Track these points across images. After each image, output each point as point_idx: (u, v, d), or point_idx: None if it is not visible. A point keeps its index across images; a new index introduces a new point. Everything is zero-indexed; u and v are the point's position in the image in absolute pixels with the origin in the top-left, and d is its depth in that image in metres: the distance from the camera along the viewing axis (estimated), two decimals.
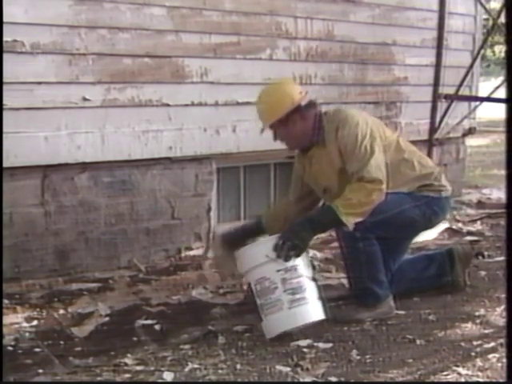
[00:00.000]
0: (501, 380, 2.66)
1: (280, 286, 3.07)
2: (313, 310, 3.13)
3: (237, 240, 3.44)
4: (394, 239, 3.42)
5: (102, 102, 4.12)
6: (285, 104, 3.36)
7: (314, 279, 3.19)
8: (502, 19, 5.78)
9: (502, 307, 3.42)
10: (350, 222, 3.19)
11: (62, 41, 3.92)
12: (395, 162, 3.39)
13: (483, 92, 6.90)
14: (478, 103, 6.41)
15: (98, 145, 4.13)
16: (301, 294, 3.08)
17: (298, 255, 3.12)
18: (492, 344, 3.00)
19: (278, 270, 3.08)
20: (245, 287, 3.91)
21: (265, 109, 3.41)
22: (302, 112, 3.39)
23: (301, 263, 3.13)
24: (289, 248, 3.08)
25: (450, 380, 2.69)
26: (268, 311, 3.08)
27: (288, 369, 2.81)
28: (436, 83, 5.95)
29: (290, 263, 3.09)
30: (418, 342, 3.09)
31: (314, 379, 2.72)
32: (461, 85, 6.09)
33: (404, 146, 3.49)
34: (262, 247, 3.16)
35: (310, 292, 3.12)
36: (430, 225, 3.57)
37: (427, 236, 5.01)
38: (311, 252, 4.49)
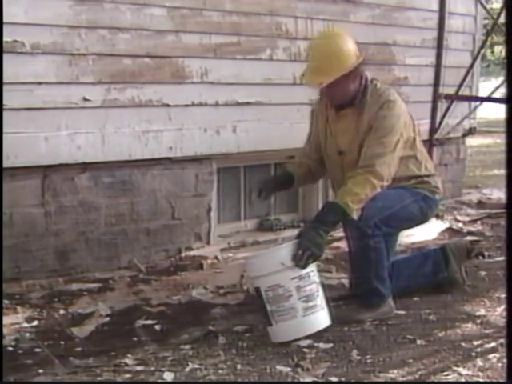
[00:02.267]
0: (501, 380, 2.66)
1: (295, 294, 3.04)
2: (322, 317, 3.12)
3: (274, 185, 3.56)
4: (393, 235, 3.44)
5: (102, 103, 4.12)
6: (344, 64, 3.26)
7: (322, 284, 3.19)
8: (502, 19, 5.78)
9: (503, 307, 3.42)
10: (357, 214, 3.20)
11: (62, 41, 3.91)
12: (406, 157, 3.40)
13: (483, 92, 6.89)
14: (478, 103, 6.41)
15: (98, 145, 4.13)
16: (313, 301, 3.07)
17: (314, 262, 3.11)
18: (492, 344, 3.00)
19: (293, 278, 3.04)
20: (245, 288, 3.92)
21: (321, 64, 3.25)
22: (355, 73, 3.32)
23: (312, 269, 3.12)
24: (308, 257, 3.06)
25: (451, 380, 2.69)
26: (280, 318, 3.06)
27: (288, 369, 2.81)
28: (436, 83, 5.94)
29: (304, 271, 3.07)
30: (418, 342, 3.09)
31: (315, 379, 2.72)
32: (461, 85, 6.08)
33: (418, 146, 3.51)
34: (276, 254, 3.12)
35: (321, 298, 3.12)
36: (424, 220, 3.60)
37: (427, 236, 5.02)
38: None
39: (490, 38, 7.56)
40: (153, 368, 2.84)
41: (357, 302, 3.45)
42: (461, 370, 2.75)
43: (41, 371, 2.84)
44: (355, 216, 3.19)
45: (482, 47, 6.48)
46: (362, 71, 3.39)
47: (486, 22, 7.65)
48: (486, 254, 4.58)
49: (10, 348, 3.12)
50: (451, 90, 6.02)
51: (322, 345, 3.06)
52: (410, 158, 3.43)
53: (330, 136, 3.48)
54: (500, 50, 16.93)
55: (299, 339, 3.08)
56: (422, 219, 3.55)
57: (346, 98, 3.37)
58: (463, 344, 3.03)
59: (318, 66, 3.28)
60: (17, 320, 3.46)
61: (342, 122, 3.42)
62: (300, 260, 3.04)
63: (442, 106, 6.01)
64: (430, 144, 5.89)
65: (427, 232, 5.04)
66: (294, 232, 3.76)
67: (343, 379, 2.72)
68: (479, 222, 5.61)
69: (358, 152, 3.32)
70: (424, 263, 3.75)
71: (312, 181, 3.81)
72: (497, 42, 14.10)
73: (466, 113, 6.28)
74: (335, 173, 3.51)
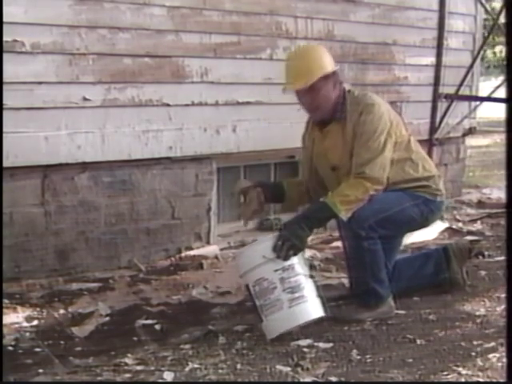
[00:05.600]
0: (501, 380, 2.66)
1: (279, 286, 3.06)
2: (312, 308, 3.12)
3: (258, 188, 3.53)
4: (392, 237, 3.43)
5: (103, 102, 4.12)
6: (324, 65, 3.29)
7: (311, 276, 3.20)
8: (502, 19, 5.79)
9: (502, 307, 3.41)
10: (347, 216, 3.21)
11: (62, 41, 3.92)
12: (402, 159, 3.39)
13: (483, 92, 6.90)
14: (478, 103, 6.41)
15: (98, 145, 4.13)
16: (299, 292, 3.08)
17: (296, 254, 3.13)
18: (492, 344, 3.00)
19: (276, 270, 3.07)
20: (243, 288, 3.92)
21: (301, 68, 3.29)
22: (335, 80, 3.34)
23: (297, 261, 3.13)
24: (288, 248, 3.09)
25: (450, 380, 2.69)
26: (268, 311, 3.08)
27: (288, 369, 2.81)
28: (436, 83, 5.95)
29: (288, 262, 3.09)
30: (418, 341, 3.08)
31: (315, 379, 2.72)
32: (461, 84, 6.09)
33: (413, 147, 3.48)
34: (259, 248, 3.15)
35: (308, 290, 3.12)
36: (425, 224, 3.58)
37: (427, 236, 5.02)
38: (311, 252, 4.51)
39: (490, 38, 7.56)
40: (153, 368, 2.83)
41: (357, 301, 3.45)
42: (461, 369, 2.75)
43: (41, 371, 2.84)
44: (344, 217, 3.20)
45: (482, 47, 6.49)
46: (340, 84, 3.40)
47: (487, 21, 7.66)
48: (486, 253, 4.58)
49: (10, 348, 3.12)
50: (451, 90, 6.02)
51: (321, 344, 3.06)
52: (405, 161, 3.41)
53: (321, 155, 3.49)
54: (500, 50, 16.94)
55: (298, 338, 3.08)
56: (422, 223, 3.53)
57: (326, 110, 3.36)
58: (463, 344, 3.03)
59: (299, 71, 3.30)
60: (17, 320, 3.46)
61: (328, 138, 3.43)
62: (280, 251, 3.07)
63: (441, 105, 6.02)
64: (429, 144, 5.91)
65: (427, 232, 5.03)
66: None
67: (343, 379, 2.71)
68: (479, 222, 5.62)
69: (351, 163, 3.32)
70: (425, 264, 3.74)
71: (309, 202, 3.71)
72: (497, 43, 14.09)
73: (466, 113, 6.29)
74: (333, 189, 3.50)
